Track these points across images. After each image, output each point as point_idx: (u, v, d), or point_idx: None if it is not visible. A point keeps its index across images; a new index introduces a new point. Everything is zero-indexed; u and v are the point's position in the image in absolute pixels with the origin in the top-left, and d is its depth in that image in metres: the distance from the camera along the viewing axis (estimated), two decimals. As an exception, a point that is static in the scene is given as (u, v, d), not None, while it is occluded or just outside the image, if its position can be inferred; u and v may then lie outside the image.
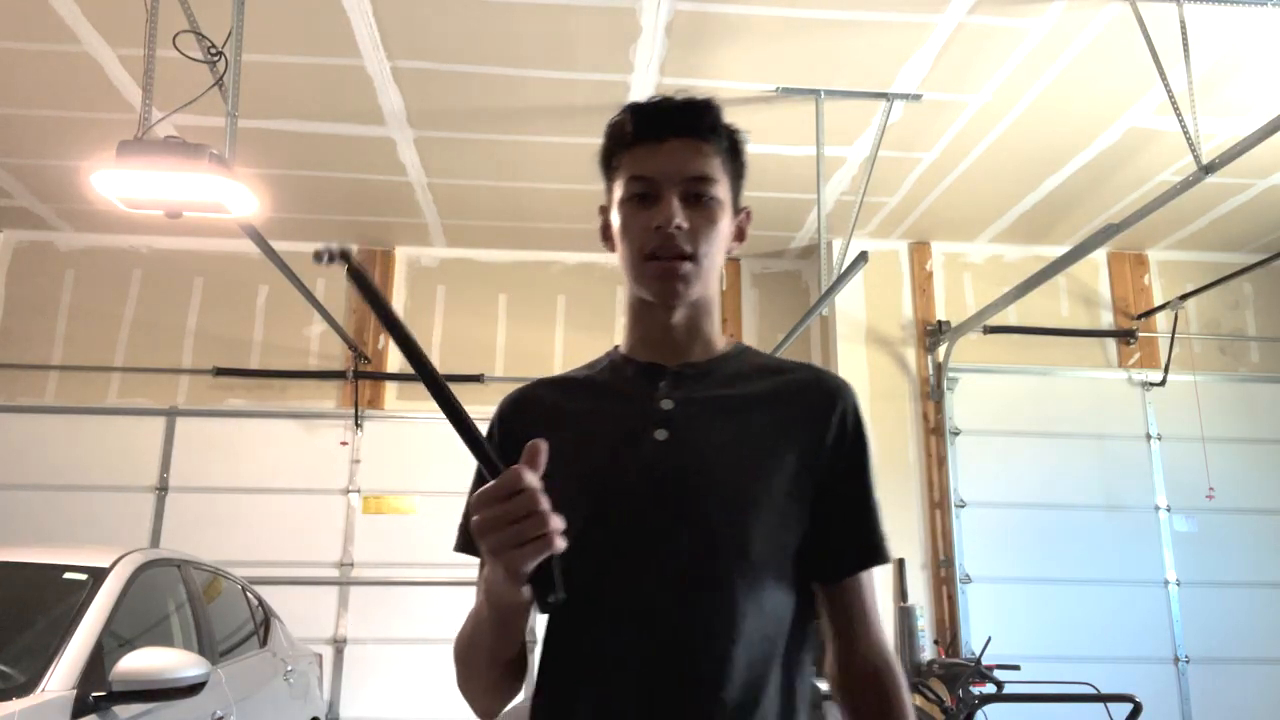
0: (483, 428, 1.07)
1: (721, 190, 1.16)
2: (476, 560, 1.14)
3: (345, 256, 0.90)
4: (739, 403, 1.15)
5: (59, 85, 4.42)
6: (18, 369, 6.08)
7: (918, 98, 4.45)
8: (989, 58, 4.15)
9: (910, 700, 1.10)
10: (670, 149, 1.14)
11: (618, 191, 1.18)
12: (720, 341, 1.23)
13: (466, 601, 1.21)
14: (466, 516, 1.14)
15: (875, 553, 1.14)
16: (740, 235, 1.24)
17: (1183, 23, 3.67)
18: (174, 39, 3.49)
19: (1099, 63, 4.16)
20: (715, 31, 3.96)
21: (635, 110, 1.18)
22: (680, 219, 1.12)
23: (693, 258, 1.13)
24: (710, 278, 1.17)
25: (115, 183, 3.15)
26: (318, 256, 0.90)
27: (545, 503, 0.90)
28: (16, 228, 6.24)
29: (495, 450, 1.01)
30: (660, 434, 1.12)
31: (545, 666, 1.13)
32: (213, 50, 3.47)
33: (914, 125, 4.72)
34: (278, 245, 4.40)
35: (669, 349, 1.19)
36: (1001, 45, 4.06)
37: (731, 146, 1.20)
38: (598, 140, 1.24)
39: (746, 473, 1.10)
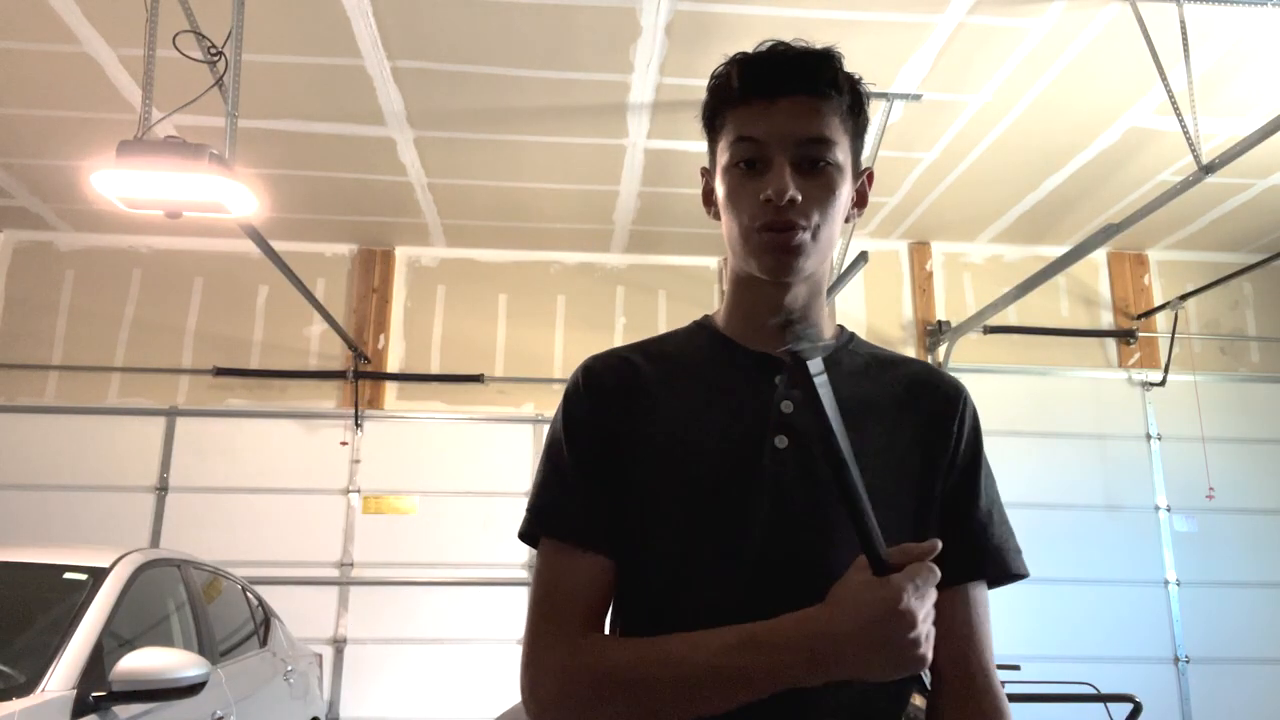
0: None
1: (841, 153, 1.02)
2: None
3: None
4: (863, 403, 1.03)
5: (59, 85, 4.42)
6: (18, 369, 6.08)
7: (918, 98, 4.45)
8: (989, 58, 4.15)
9: None
10: (783, 108, 1.00)
11: (722, 155, 1.04)
12: (830, 328, 1.11)
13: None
14: (565, 494, 1.03)
15: (995, 563, 1.03)
16: (862, 200, 1.11)
17: (1183, 23, 3.67)
18: (174, 39, 3.49)
19: (1099, 63, 4.16)
20: (715, 31, 3.96)
21: (744, 62, 1.03)
22: (794, 190, 0.98)
23: (807, 229, 1.00)
24: (826, 252, 1.03)
25: (115, 183, 3.15)
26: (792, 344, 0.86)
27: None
28: (16, 228, 6.24)
29: (584, 415, 0.98)
30: (780, 441, 0.99)
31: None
32: (213, 50, 3.47)
33: (914, 125, 4.72)
34: (278, 245, 4.40)
35: (776, 334, 1.00)
36: (1001, 45, 4.06)
37: (854, 102, 1.04)
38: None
39: (881, 484, 0.96)
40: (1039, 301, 6.00)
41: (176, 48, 3.50)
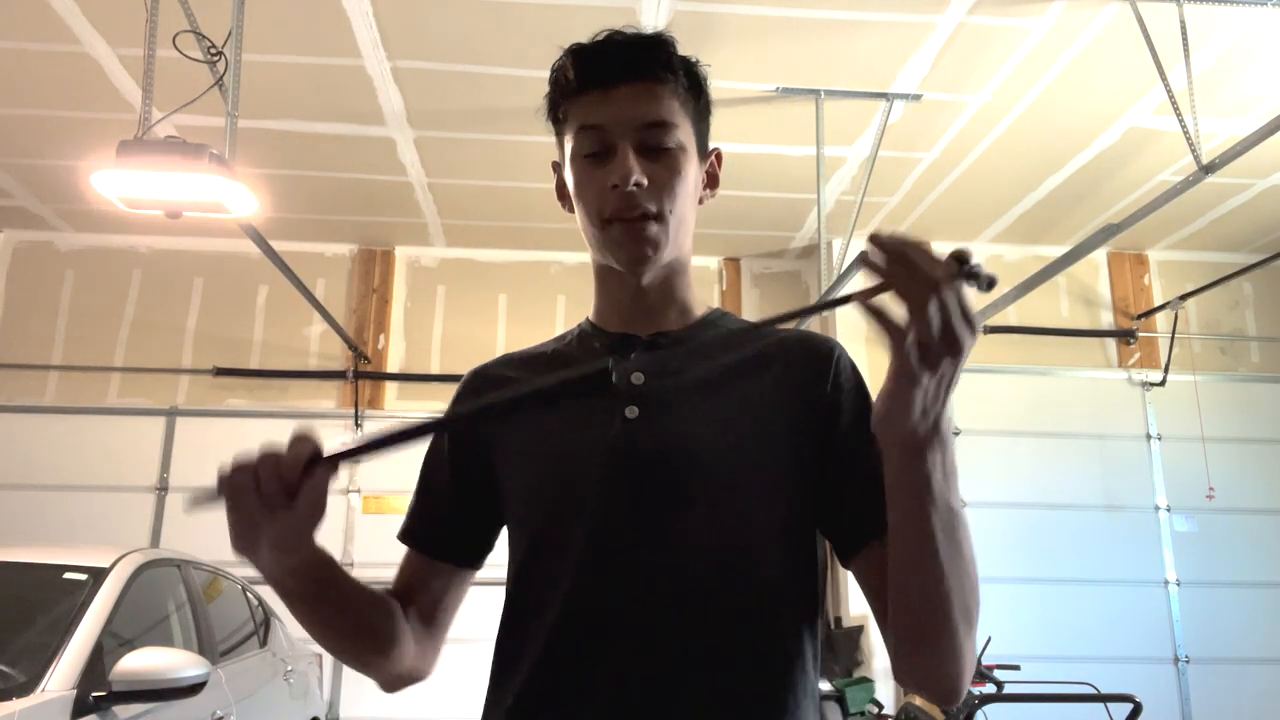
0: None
1: (684, 135, 1.02)
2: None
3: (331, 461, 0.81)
4: (718, 372, 1.02)
5: (59, 85, 4.42)
6: (18, 369, 6.08)
7: (918, 98, 4.45)
8: (989, 58, 4.15)
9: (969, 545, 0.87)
10: (621, 95, 1.01)
11: (568, 145, 1.05)
12: (698, 306, 1.10)
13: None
14: (417, 501, 1.15)
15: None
16: (713, 181, 1.10)
17: (1183, 23, 3.67)
18: (174, 39, 3.49)
19: (1099, 63, 4.16)
20: (715, 31, 3.96)
21: (578, 53, 1.04)
22: (639, 174, 0.98)
23: (658, 217, 0.99)
24: (681, 235, 1.04)
25: (115, 183, 3.15)
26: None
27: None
28: (16, 228, 6.24)
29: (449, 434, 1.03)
30: (631, 411, 0.99)
31: (500, 677, 1.04)
32: (213, 50, 3.47)
33: (914, 125, 4.72)
34: (278, 245, 4.40)
35: (641, 317, 1.06)
36: (1001, 45, 4.06)
37: (692, 84, 1.05)
38: None
39: (728, 448, 0.97)
40: (1039, 301, 6.00)
41: (176, 48, 3.50)
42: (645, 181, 0.98)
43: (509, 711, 0.99)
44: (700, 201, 1.08)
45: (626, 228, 1.00)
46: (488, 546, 1.14)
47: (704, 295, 1.14)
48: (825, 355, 1.03)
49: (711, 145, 1.10)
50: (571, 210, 1.07)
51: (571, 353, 1.10)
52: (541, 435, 1.02)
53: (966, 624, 0.86)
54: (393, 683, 1.10)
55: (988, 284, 0.79)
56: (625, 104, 1.00)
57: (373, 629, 1.03)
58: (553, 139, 1.15)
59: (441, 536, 1.12)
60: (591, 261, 1.10)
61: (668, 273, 1.06)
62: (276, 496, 0.80)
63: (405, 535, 1.14)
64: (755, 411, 1.00)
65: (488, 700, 1.06)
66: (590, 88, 1.02)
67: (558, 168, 1.11)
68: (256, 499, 0.80)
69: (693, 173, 1.04)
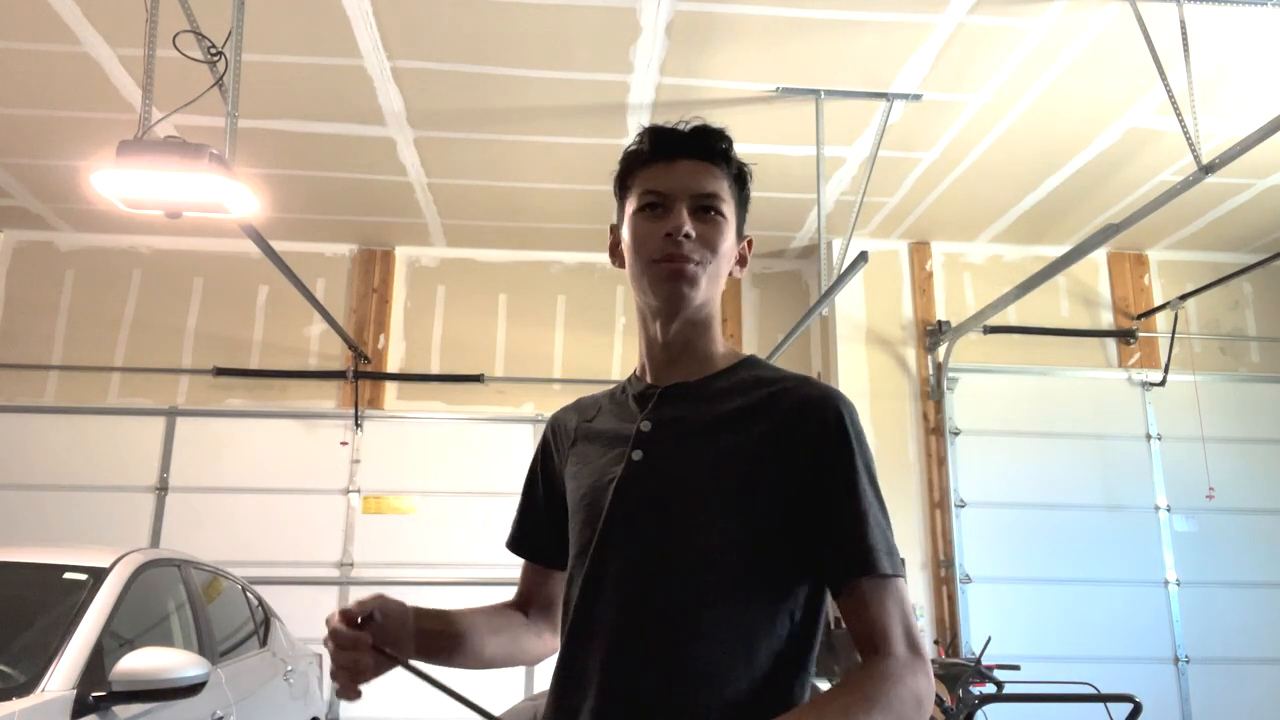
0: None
1: (729, 209, 1.22)
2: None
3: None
4: (714, 421, 1.17)
5: (59, 85, 4.42)
6: (18, 369, 6.08)
7: (918, 98, 4.45)
8: (989, 58, 4.15)
9: (884, 702, 0.97)
10: (683, 168, 1.20)
11: (630, 206, 1.23)
12: (724, 358, 1.24)
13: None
14: (519, 517, 1.37)
15: (863, 562, 1.06)
16: (742, 260, 1.28)
17: (1183, 23, 3.67)
18: (174, 39, 3.49)
19: (1099, 63, 4.16)
20: (715, 31, 3.96)
21: (652, 132, 1.24)
22: (689, 227, 1.17)
23: (700, 263, 1.18)
24: (715, 288, 1.22)
25: (115, 183, 3.15)
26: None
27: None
28: (16, 228, 6.24)
29: (540, 460, 1.34)
30: (636, 455, 1.17)
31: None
32: (213, 50, 3.47)
33: (914, 125, 4.72)
34: (278, 245, 4.40)
35: (664, 368, 1.24)
36: (1001, 45, 4.06)
37: (739, 176, 1.26)
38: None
39: (711, 492, 1.12)
40: (1039, 301, 6.00)
41: (176, 48, 3.50)
42: (694, 233, 1.17)
43: (555, 681, 1.19)
44: (731, 274, 1.26)
45: (672, 268, 1.17)
46: None
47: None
48: (820, 409, 1.14)
49: (745, 234, 1.29)
50: (622, 265, 1.26)
51: (617, 399, 1.29)
52: (589, 468, 1.23)
53: None
54: (537, 663, 1.37)
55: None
56: (685, 175, 1.21)
57: (507, 652, 1.31)
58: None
59: (542, 545, 1.34)
60: (637, 311, 1.27)
61: (694, 326, 1.23)
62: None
63: (513, 544, 1.39)
64: (739, 458, 1.13)
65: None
66: (658, 159, 1.22)
67: (614, 230, 1.30)
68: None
69: (731, 241, 1.23)
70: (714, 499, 1.12)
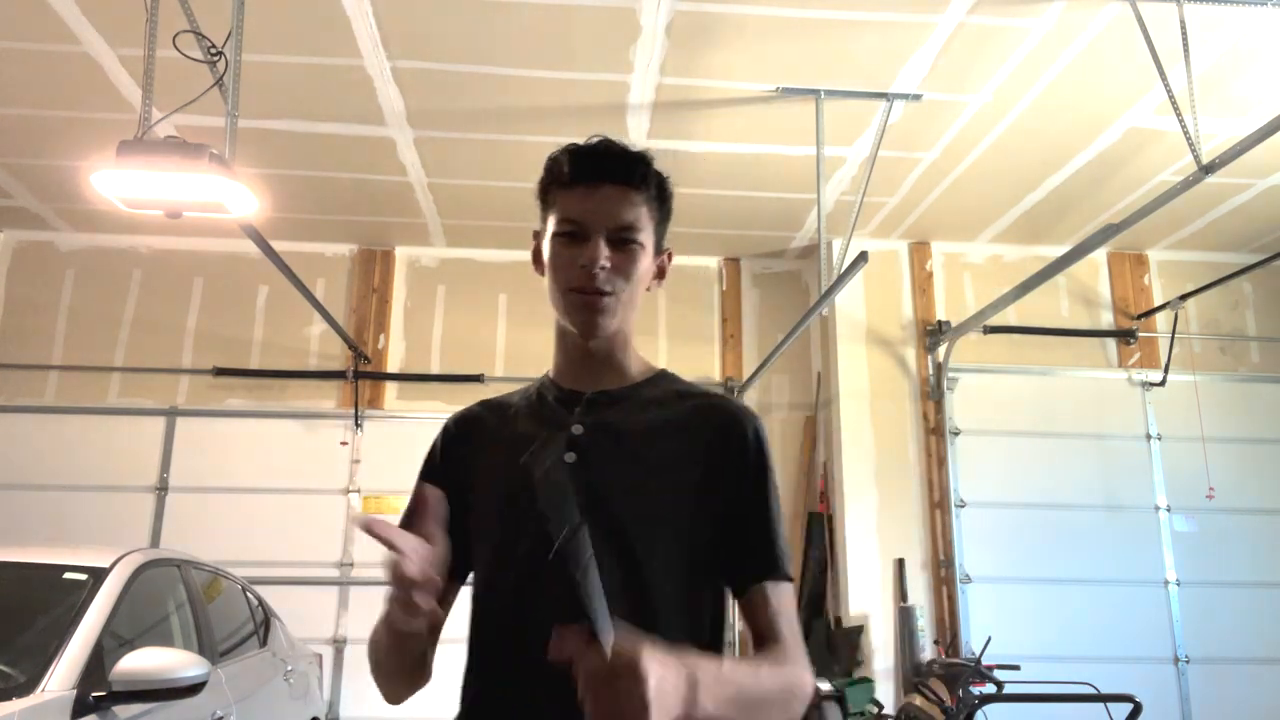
0: None
1: (645, 236, 1.24)
2: None
3: None
4: (644, 428, 1.22)
5: (59, 85, 4.42)
6: (18, 369, 6.08)
7: (918, 98, 4.45)
8: (989, 58, 4.15)
9: (773, 680, 1.08)
10: (602, 195, 1.21)
11: (550, 225, 1.25)
12: (638, 370, 1.30)
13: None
14: (409, 507, 1.27)
15: (771, 566, 1.17)
16: (660, 274, 1.33)
17: (1183, 23, 3.67)
18: (174, 39, 3.49)
19: (1099, 63, 4.16)
20: (715, 31, 3.96)
21: (574, 152, 1.25)
22: (604, 260, 1.19)
23: (612, 294, 1.21)
24: (628, 313, 1.26)
25: (115, 183, 3.15)
26: None
27: (417, 592, 1.00)
28: (16, 228, 6.24)
29: (438, 462, 1.27)
30: (569, 457, 1.19)
31: (467, 676, 1.21)
32: (213, 50, 3.47)
33: (914, 125, 4.72)
34: (278, 245, 4.40)
35: (587, 376, 1.27)
36: (1001, 45, 4.06)
37: (660, 193, 1.27)
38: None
39: (648, 494, 1.17)
40: (1039, 301, 6.00)
41: (176, 48, 3.50)
42: (608, 265, 1.20)
43: (472, 691, 1.20)
44: (648, 289, 1.29)
45: (586, 299, 1.21)
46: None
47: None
48: (737, 423, 1.23)
49: (665, 246, 1.32)
50: (542, 274, 1.28)
51: (533, 404, 1.30)
52: (509, 470, 1.21)
53: None
54: (403, 700, 1.26)
55: None
56: (604, 203, 1.21)
57: (418, 673, 1.22)
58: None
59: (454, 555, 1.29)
60: (555, 324, 1.30)
61: (613, 342, 1.27)
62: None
63: None
64: (668, 464, 1.19)
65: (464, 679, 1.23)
66: (579, 183, 1.23)
67: (538, 236, 1.30)
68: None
69: (647, 265, 1.26)
70: (662, 502, 1.17)
